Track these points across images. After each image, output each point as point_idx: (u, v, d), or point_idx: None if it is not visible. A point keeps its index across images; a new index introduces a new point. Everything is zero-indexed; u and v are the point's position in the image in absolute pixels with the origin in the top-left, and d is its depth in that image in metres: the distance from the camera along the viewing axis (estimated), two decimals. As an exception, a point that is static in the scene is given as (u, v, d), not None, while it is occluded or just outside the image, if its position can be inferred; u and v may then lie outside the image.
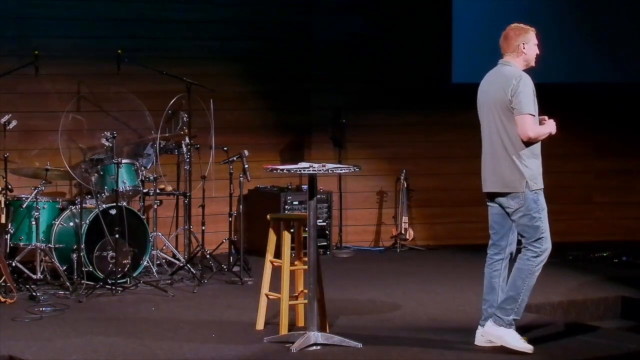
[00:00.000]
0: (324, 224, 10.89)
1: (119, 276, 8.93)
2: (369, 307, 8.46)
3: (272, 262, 7.60)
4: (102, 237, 9.03)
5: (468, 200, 11.33)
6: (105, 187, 9.27)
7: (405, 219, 11.38)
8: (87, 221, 9.06)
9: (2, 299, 8.38)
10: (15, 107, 9.84)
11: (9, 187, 9.11)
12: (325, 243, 10.88)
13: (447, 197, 11.79)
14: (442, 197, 11.80)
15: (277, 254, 7.53)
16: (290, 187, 10.97)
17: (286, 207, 10.76)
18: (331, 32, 11.49)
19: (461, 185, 11.48)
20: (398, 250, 11.39)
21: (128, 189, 9.33)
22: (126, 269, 9.04)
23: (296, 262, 7.56)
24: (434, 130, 11.77)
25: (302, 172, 7.58)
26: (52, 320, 7.87)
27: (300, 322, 7.61)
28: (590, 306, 8.69)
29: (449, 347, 7.09)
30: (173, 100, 9.79)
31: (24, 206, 9.16)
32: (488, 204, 7.04)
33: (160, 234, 9.84)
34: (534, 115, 6.79)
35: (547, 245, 6.86)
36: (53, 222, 9.25)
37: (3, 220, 9.07)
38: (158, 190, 9.78)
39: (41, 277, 9.05)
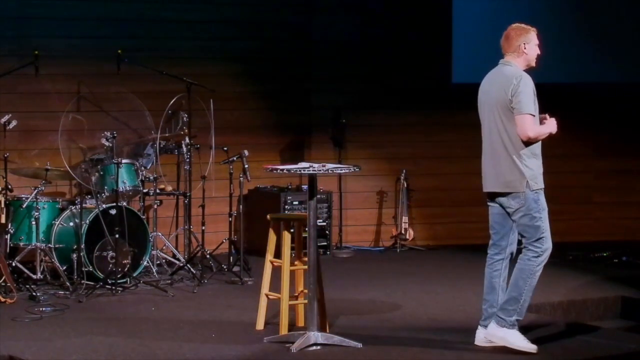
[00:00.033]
0: (324, 224, 10.89)
1: (119, 276, 8.92)
2: (369, 307, 8.46)
3: (272, 262, 7.60)
4: (102, 237, 9.03)
5: (468, 200, 11.33)
6: (105, 187, 9.27)
7: (405, 219, 11.38)
8: (87, 221, 9.06)
9: (2, 299, 8.38)
10: (15, 107, 9.84)
11: (9, 187, 9.11)
12: (325, 243, 10.88)
13: (447, 197, 11.79)
14: (442, 197, 11.80)
15: (277, 254, 7.53)
16: (290, 187, 10.97)
17: (286, 207, 10.76)
18: (331, 32, 11.49)
19: (461, 185, 11.49)
20: (398, 250, 11.39)
21: (128, 189, 9.33)
22: (126, 269, 9.04)
23: (296, 262, 7.56)
24: (434, 130, 11.77)
25: (302, 172, 7.58)
26: (52, 320, 7.87)
27: (300, 322, 7.61)
28: (590, 306, 8.69)
29: (449, 347, 7.09)
30: (173, 100, 9.79)
31: (24, 206, 9.16)
32: (489, 204, 7.04)
33: (160, 234, 9.84)
34: (534, 115, 6.79)
35: (547, 245, 6.86)
36: (53, 222, 9.25)
37: (3, 220, 9.07)
38: (158, 190, 9.78)
39: (41, 277, 9.05)
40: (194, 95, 9.89)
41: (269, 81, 11.29)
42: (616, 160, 12.13)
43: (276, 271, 7.55)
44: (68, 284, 8.82)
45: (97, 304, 8.47)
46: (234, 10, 11.12)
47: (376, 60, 11.58)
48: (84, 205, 9.11)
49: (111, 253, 8.99)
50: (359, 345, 7.04)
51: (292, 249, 7.48)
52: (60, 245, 9.14)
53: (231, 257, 9.95)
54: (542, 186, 6.86)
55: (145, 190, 9.67)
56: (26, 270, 9.06)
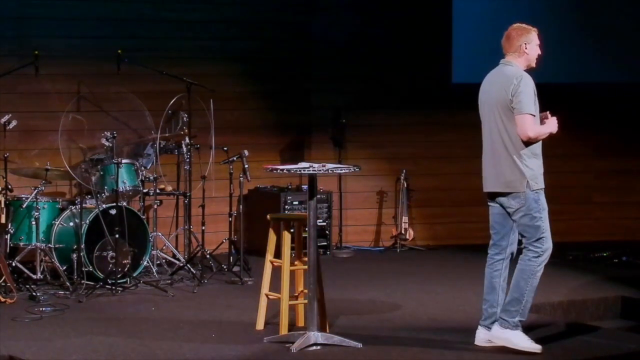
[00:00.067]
0: (324, 224, 10.89)
1: (119, 276, 8.92)
2: (369, 307, 8.46)
3: (272, 262, 7.60)
4: (102, 237, 9.03)
5: (468, 200, 11.33)
6: (105, 187, 9.27)
7: (405, 219, 11.38)
8: (87, 221, 9.06)
9: (2, 299, 8.38)
10: (15, 107, 9.84)
11: (9, 187, 9.11)
12: (325, 243, 10.88)
13: (447, 197, 11.79)
14: (442, 197, 11.80)
15: (277, 254, 7.53)
16: (290, 187, 10.97)
17: (286, 207, 10.76)
18: (331, 32, 11.49)
19: (461, 185, 11.49)
20: (398, 250, 11.39)
21: (128, 189, 9.33)
22: (126, 269, 9.04)
23: (296, 262, 7.56)
24: (434, 130, 11.77)
25: (302, 172, 7.57)
26: (52, 320, 7.87)
27: (300, 322, 7.61)
28: (590, 306, 8.69)
29: (449, 347, 7.09)
30: (173, 100, 9.79)
31: (24, 206, 9.16)
32: (489, 203, 7.04)
33: (160, 234, 9.84)
34: (534, 115, 6.79)
35: (547, 245, 6.86)
36: (53, 222, 9.25)
37: (3, 220, 9.07)
38: (158, 190, 9.78)
39: (41, 277, 9.05)
40: (194, 95, 9.89)
41: (269, 81, 11.29)
42: (616, 160, 12.13)
43: (276, 271, 7.55)
44: (68, 284, 8.82)
45: (97, 304, 8.47)
46: (234, 10, 11.12)
47: (376, 60, 11.58)
48: (84, 205, 9.10)
49: (111, 253, 8.99)
50: (359, 345, 7.04)
51: (292, 249, 7.48)
52: (60, 245, 9.14)
53: (231, 257, 9.95)
54: (543, 186, 6.86)
55: (145, 190, 9.67)
56: (26, 270, 9.06)
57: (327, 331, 7.30)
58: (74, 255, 8.97)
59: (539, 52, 6.96)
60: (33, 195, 9.13)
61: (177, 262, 9.73)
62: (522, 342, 6.86)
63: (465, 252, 10.92)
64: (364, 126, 11.55)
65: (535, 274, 6.85)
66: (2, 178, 9.08)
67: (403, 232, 11.35)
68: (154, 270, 9.45)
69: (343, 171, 7.76)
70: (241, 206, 9.93)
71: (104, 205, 9.15)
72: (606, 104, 11.97)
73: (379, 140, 11.65)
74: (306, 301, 7.24)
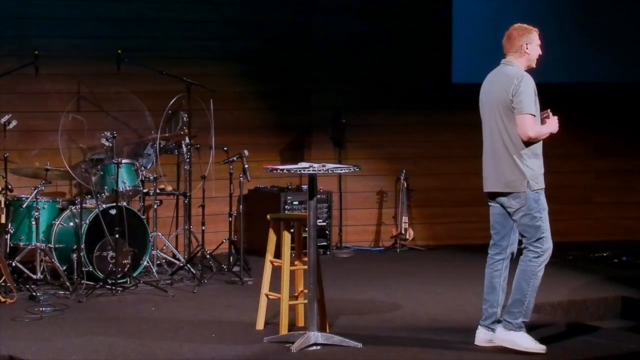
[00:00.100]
0: (324, 224, 10.89)
1: (119, 276, 8.92)
2: (369, 307, 8.46)
3: (272, 262, 7.60)
4: (102, 237, 9.03)
5: (468, 200, 11.34)
6: (105, 187, 9.27)
7: (405, 219, 11.38)
8: (87, 221, 9.06)
9: (2, 299, 8.38)
10: (15, 107, 9.84)
11: (9, 187, 9.11)
12: (325, 243, 10.88)
13: (447, 197, 11.79)
14: (442, 197, 11.80)
15: (277, 254, 7.53)
16: (290, 187, 10.97)
17: (286, 207, 10.76)
18: (331, 32, 11.50)
19: (461, 185, 11.49)
20: (398, 250, 11.39)
21: (128, 189, 9.33)
22: (126, 269, 9.04)
23: (296, 262, 7.56)
24: (434, 130, 11.77)
25: (302, 172, 7.57)
26: (52, 320, 7.87)
27: (300, 322, 7.61)
28: (590, 306, 8.68)
29: (449, 347, 7.09)
30: (173, 100, 9.79)
31: (24, 206, 9.16)
32: (489, 203, 7.04)
33: (160, 234, 9.84)
34: (534, 115, 6.79)
35: (548, 245, 6.86)
36: (53, 222, 9.25)
37: (3, 220, 9.07)
38: (158, 190, 9.78)
39: (41, 277, 9.05)
40: (194, 95, 9.89)
41: (269, 81, 11.29)
42: (616, 160, 12.13)
43: (276, 271, 7.55)
44: (68, 284, 8.82)
45: (97, 304, 8.47)
46: (234, 10, 11.12)
47: (376, 60, 11.58)
48: (84, 205, 9.10)
49: (111, 253, 8.99)
50: (359, 345, 7.04)
51: (292, 249, 7.48)
52: (60, 245, 9.14)
53: (231, 257, 9.95)
54: (543, 186, 6.86)
55: (145, 190, 9.67)
56: (26, 270, 9.06)
57: (327, 331, 7.30)
58: (74, 255, 8.97)
59: (540, 52, 6.96)
60: (33, 195, 9.13)
61: (177, 262, 9.73)
62: (527, 343, 6.86)
63: (465, 252, 10.92)
64: (364, 126, 11.55)
65: (537, 275, 6.85)
66: (2, 178, 9.08)
67: (403, 232, 11.35)
68: (154, 270, 9.45)
69: (343, 171, 7.76)
70: (241, 206, 9.93)
71: (104, 205, 9.15)
72: (606, 104, 11.97)
73: (379, 140, 11.65)
74: (306, 301, 7.24)
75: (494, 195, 6.97)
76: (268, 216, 7.64)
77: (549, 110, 6.94)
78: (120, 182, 9.16)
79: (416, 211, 11.68)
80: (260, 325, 7.59)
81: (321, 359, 6.88)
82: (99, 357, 6.87)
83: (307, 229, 7.20)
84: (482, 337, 7.05)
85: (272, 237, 7.56)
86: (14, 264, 8.96)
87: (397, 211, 11.50)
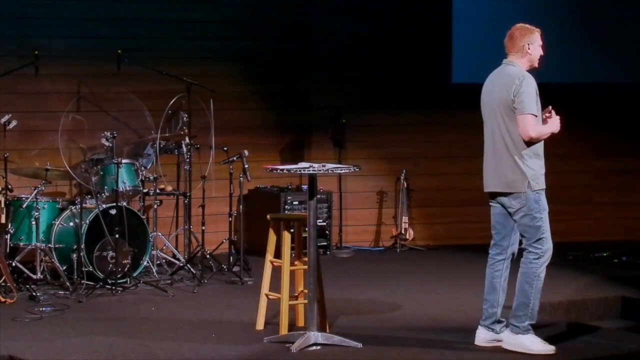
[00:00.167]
0: (324, 224, 10.89)
1: (119, 276, 8.92)
2: (369, 307, 8.46)
3: (272, 262, 7.60)
4: (102, 237, 9.03)
5: (468, 200, 11.34)
6: (105, 187, 9.26)
7: (405, 219, 11.38)
8: (87, 221, 9.06)
9: (2, 299, 8.38)
10: (15, 107, 9.84)
11: (9, 187, 9.11)
12: (325, 243, 10.88)
13: (447, 197, 11.79)
14: (442, 197, 11.80)
15: (277, 254, 7.53)
16: (290, 187, 10.97)
17: (286, 207, 10.76)
18: (331, 32, 11.50)
19: (461, 185, 11.49)
20: (398, 250, 11.39)
21: (128, 189, 9.33)
22: (126, 269, 9.04)
23: (296, 262, 7.56)
24: (434, 130, 11.77)
25: (302, 172, 7.57)
26: (52, 320, 7.87)
27: (300, 322, 7.61)
28: (590, 306, 8.68)
29: (449, 347, 7.09)
30: (173, 100, 9.79)
31: (24, 206, 9.16)
32: (490, 203, 7.04)
33: (160, 234, 9.84)
34: (536, 116, 6.79)
35: (548, 245, 6.86)
36: (53, 222, 9.25)
37: (3, 220, 9.07)
38: (158, 190, 9.78)
39: (41, 277, 9.05)
40: (194, 95, 9.89)
41: (269, 81, 11.29)
42: (616, 160, 12.13)
43: (276, 271, 7.55)
44: (68, 284, 8.82)
45: (97, 304, 8.47)
46: (234, 10, 11.12)
47: (376, 60, 11.58)
48: (84, 205, 9.10)
49: (111, 253, 8.99)
50: (359, 345, 7.04)
51: (292, 249, 7.48)
52: (60, 245, 9.14)
53: (231, 257, 9.95)
54: (544, 187, 6.86)
55: (145, 190, 9.67)
56: (26, 270, 9.06)
57: (327, 331, 7.30)
58: (74, 255, 8.97)
59: (542, 52, 6.95)
60: (33, 195, 9.13)
61: (177, 262, 9.73)
62: (535, 345, 6.86)
63: (465, 252, 10.92)
64: (364, 126, 11.55)
65: (539, 276, 6.84)
66: (2, 178, 9.08)
67: (403, 232, 11.35)
68: (154, 270, 9.45)
69: (343, 171, 7.76)
70: (241, 206, 9.93)
71: (104, 205, 9.15)
72: (606, 104, 11.97)
73: (379, 140, 11.65)
74: (306, 301, 7.24)
75: (494, 195, 6.97)
76: (268, 216, 7.64)
77: (550, 107, 6.93)
78: (120, 182, 9.16)
79: (416, 211, 11.68)
80: (260, 325, 7.59)
81: (321, 359, 6.88)
82: (99, 357, 6.87)
83: (307, 229, 7.20)
84: (482, 337, 7.05)
85: (272, 237, 7.56)
86: (14, 264, 8.96)
87: (397, 211, 11.50)
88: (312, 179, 7.16)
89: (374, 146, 11.63)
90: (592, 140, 12.05)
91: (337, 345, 7.03)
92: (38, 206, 9.11)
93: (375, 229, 11.70)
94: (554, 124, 6.89)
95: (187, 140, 9.71)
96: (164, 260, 9.79)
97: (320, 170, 7.13)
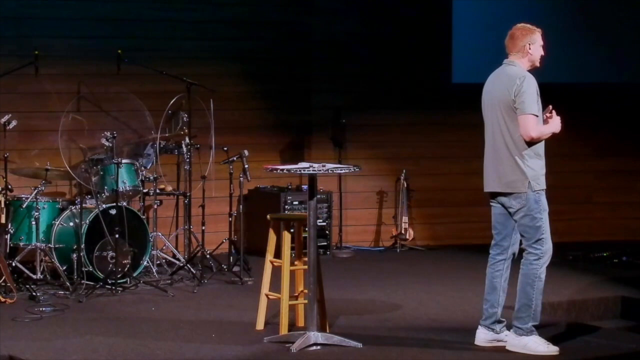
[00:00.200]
0: (324, 224, 10.89)
1: (119, 276, 8.92)
2: (369, 307, 8.46)
3: (272, 262, 7.60)
4: (102, 237, 9.03)
5: (468, 200, 11.34)
6: (105, 187, 9.26)
7: (405, 219, 11.38)
8: (87, 221, 9.06)
9: (2, 299, 8.38)
10: (15, 107, 9.84)
11: (9, 187, 9.11)
12: (325, 243, 10.88)
13: (447, 197, 11.79)
14: (442, 197, 11.80)
15: (277, 254, 7.53)
16: (290, 187, 10.97)
17: (286, 207, 10.76)
18: (331, 32, 11.49)
19: (461, 185, 11.49)
20: (398, 250, 11.39)
21: (128, 189, 9.33)
22: (126, 269, 9.04)
23: (296, 262, 7.56)
24: (434, 130, 11.77)
25: (302, 172, 7.57)
26: (52, 320, 7.87)
27: (300, 322, 7.61)
28: (590, 306, 8.68)
29: (449, 347, 7.09)
30: (173, 100, 9.79)
31: (24, 206, 9.16)
32: (491, 203, 7.04)
33: (160, 234, 9.84)
34: (536, 116, 6.79)
35: (548, 246, 6.86)
36: (53, 222, 9.24)
37: (3, 220, 9.06)
38: (158, 190, 9.78)
39: (41, 277, 9.05)
40: (194, 95, 9.88)
41: (269, 81, 11.29)
42: (616, 160, 12.13)
43: (276, 271, 7.55)
44: (68, 284, 8.82)
45: (97, 304, 8.46)
46: (234, 10, 11.12)
47: (376, 60, 11.58)
48: (84, 205, 9.10)
49: (111, 253, 8.99)
50: (359, 345, 7.04)
51: (292, 249, 7.48)
52: (60, 245, 9.14)
53: (231, 257, 9.95)
54: (544, 187, 6.86)
55: (145, 190, 9.67)
56: (26, 270, 9.06)
57: (327, 331, 7.30)
58: (74, 255, 8.97)
59: (543, 52, 6.95)
60: (33, 195, 9.13)
61: (177, 262, 9.73)
62: (539, 346, 6.85)
63: (465, 252, 10.92)
64: (364, 126, 11.56)
65: (540, 277, 6.84)
66: (2, 178, 9.07)
67: (403, 232, 11.35)
68: (154, 270, 9.45)
69: (343, 171, 7.76)
70: (241, 206, 9.93)
71: (104, 205, 9.15)
72: (606, 104, 11.98)
73: (379, 140, 11.65)
74: (306, 301, 7.24)
75: (495, 195, 6.97)
76: (268, 216, 7.64)
77: (550, 106, 6.93)
78: (120, 182, 9.16)
79: (416, 211, 11.68)
80: (260, 325, 7.59)
81: (321, 359, 6.88)
82: (98, 357, 6.87)
83: (307, 229, 7.20)
84: (483, 337, 7.05)
85: (272, 237, 7.56)
86: (14, 264, 8.96)
87: (397, 211, 11.50)
88: (312, 179, 7.16)
89: (374, 146, 11.63)
90: (592, 140, 12.06)
91: (337, 345, 7.03)
92: (38, 206, 9.11)
93: (375, 229, 11.70)
94: (555, 124, 6.89)
95: (187, 140, 9.70)
96: (164, 260, 9.79)
97: (320, 170, 7.13)
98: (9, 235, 9.12)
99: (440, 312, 8.23)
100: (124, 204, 9.21)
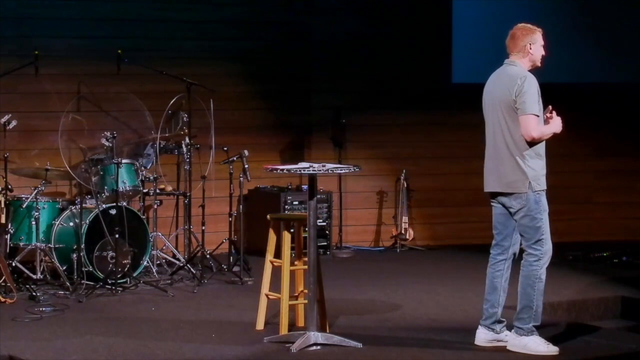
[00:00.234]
0: (324, 224, 10.89)
1: (119, 276, 8.92)
2: (369, 307, 8.46)
3: (272, 262, 7.60)
4: (102, 237, 9.03)
5: (468, 200, 11.34)
6: (105, 187, 9.26)
7: (405, 219, 11.38)
8: (87, 221, 9.06)
9: (2, 299, 8.38)
10: (15, 107, 9.84)
11: (9, 187, 9.11)
12: (325, 243, 10.88)
13: (447, 197, 11.79)
14: (442, 197, 11.80)
15: (277, 254, 7.53)
16: (290, 187, 10.97)
17: (286, 207, 10.76)
18: (331, 32, 11.49)
19: (461, 185, 11.49)
20: (398, 250, 11.39)
21: (128, 189, 9.33)
22: (126, 269, 9.04)
23: (296, 262, 7.56)
24: (434, 130, 11.77)
25: (302, 172, 7.58)
26: (52, 320, 7.87)
27: (300, 322, 7.61)
28: (590, 306, 8.68)
29: (449, 347, 7.09)
30: (173, 100, 9.79)
31: (24, 206, 9.16)
32: (492, 203, 7.04)
33: (160, 234, 9.84)
34: (537, 116, 6.78)
35: (547, 246, 6.86)
36: (53, 222, 9.24)
37: (3, 220, 9.06)
38: (158, 190, 9.78)
39: (41, 277, 9.05)
40: (194, 95, 9.88)
41: (269, 81, 11.29)
42: (616, 160, 12.13)
43: (276, 271, 7.55)
44: (68, 284, 8.82)
45: (97, 304, 8.46)
46: (234, 10, 11.12)
47: (376, 60, 11.57)
48: (84, 205, 9.10)
49: (111, 253, 8.99)
50: (359, 345, 7.04)
51: (292, 249, 7.48)
52: (60, 245, 9.14)
53: (231, 257, 9.95)
54: (545, 187, 6.86)
55: (145, 190, 9.67)
56: (26, 270, 9.06)
57: (327, 331, 7.30)
58: (74, 255, 8.97)
59: (544, 52, 6.94)
60: (33, 195, 9.13)
61: (177, 262, 9.73)
62: (539, 347, 6.85)
63: (465, 252, 10.92)
64: (364, 126, 11.56)
65: (540, 278, 6.84)
66: (2, 178, 9.07)
67: (403, 232, 11.35)
68: (154, 270, 9.45)
69: (343, 171, 7.76)
70: (241, 206, 9.93)
71: (104, 205, 9.15)
72: (606, 104, 11.97)
73: (379, 140, 11.65)
74: (306, 301, 7.24)
75: (495, 195, 6.97)
76: (268, 216, 7.64)
77: (550, 106, 6.93)
78: (120, 182, 9.16)
79: (416, 211, 11.68)
80: (260, 325, 7.59)
81: (321, 359, 6.88)
82: (99, 357, 6.87)
83: (307, 229, 7.20)
84: (483, 337, 7.05)
85: (272, 237, 7.56)
86: (14, 264, 8.96)
87: (397, 211, 11.50)
88: (312, 179, 7.15)
89: (374, 146, 11.63)
90: (592, 140, 12.06)
91: (337, 345, 7.03)
92: (38, 206, 9.11)
93: (375, 229, 11.71)
94: (556, 124, 6.89)
95: (187, 140, 9.70)
96: (164, 260, 9.79)
97: (320, 170, 7.13)
98: (9, 235, 9.12)
99: (440, 312, 8.23)
100: (124, 204, 9.21)
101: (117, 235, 8.92)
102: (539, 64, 6.95)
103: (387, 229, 11.62)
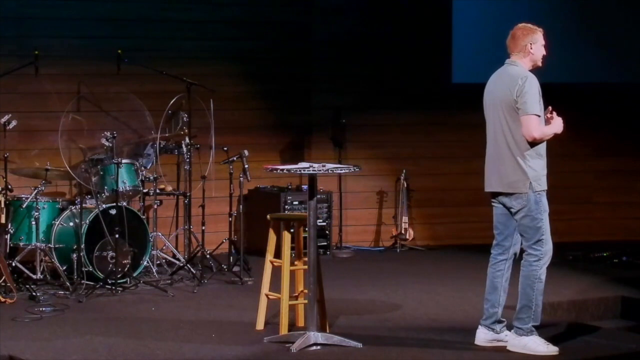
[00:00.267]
0: (324, 224, 10.89)
1: (119, 276, 8.92)
2: (369, 307, 8.46)
3: (272, 262, 7.60)
4: (102, 237, 9.03)
5: (468, 200, 11.34)
6: (105, 187, 9.26)
7: (405, 219, 11.38)
8: (87, 221, 9.06)
9: (2, 299, 8.38)
10: (15, 107, 9.84)
11: (9, 187, 9.11)
12: (325, 243, 10.88)
13: (447, 197, 11.79)
14: (442, 197, 11.80)
15: (277, 254, 7.53)
16: (290, 187, 10.97)
17: (286, 207, 10.76)
18: (331, 32, 11.49)
19: (461, 185, 11.49)
20: (398, 250, 11.38)
21: (128, 189, 9.33)
22: (126, 269, 9.04)
23: (296, 262, 7.56)
24: (434, 130, 11.77)
25: (302, 172, 7.58)
26: (52, 320, 7.87)
27: (300, 322, 7.61)
28: (590, 306, 8.68)
29: (449, 347, 7.09)
30: (173, 100, 9.79)
31: (24, 206, 9.16)
32: (492, 203, 7.03)
33: (160, 234, 9.84)
34: (539, 116, 6.78)
35: (548, 247, 6.86)
36: (53, 222, 9.24)
37: (3, 220, 9.06)
38: (158, 190, 9.78)
39: (41, 277, 9.05)
40: (194, 95, 9.88)
41: (269, 81, 11.29)
42: (616, 160, 12.13)
43: (276, 271, 7.55)
44: (68, 284, 8.82)
45: (97, 304, 8.46)
46: (234, 10, 11.12)
47: (376, 60, 11.58)
48: (84, 205, 9.10)
49: (111, 253, 8.99)
50: (359, 345, 7.04)
51: (292, 249, 7.48)
52: (60, 245, 9.14)
53: (231, 257, 9.95)
54: (545, 188, 6.85)
55: (145, 190, 9.67)
56: (26, 270, 9.06)
57: (327, 331, 7.30)
58: (74, 255, 8.97)
59: (544, 52, 6.94)
60: (33, 195, 9.12)
61: (177, 262, 9.73)
62: (539, 346, 6.85)
63: (465, 252, 10.92)
64: (364, 126, 11.56)
65: (540, 278, 6.84)
66: (2, 178, 9.07)
67: (403, 232, 11.35)
68: (154, 270, 9.45)
69: (343, 171, 7.76)
70: (241, 206, 9.93)
71: (104, 205, 9.15)
72: (606, 104, 11.97)
73: (379, 140, 11.64)
74: (306, 301, 7.24)
75: (496, 195, 6.97)
76: (268, 216, 7.64)
77: (550, 107, 6.93)
78: (120, 182, 9.16)
79: (416, 211, 11.68)
80: (260, 325, 7.59)
81: (321, 359, 6.88)
82: (99, 357, 6.87)
83: (307, 229, 7.20)
84: (483, 336, 7.06)
85: (272, 237, 7.56)
86: (14, 264, 8.96)
87: (397, 211, 11.50)
88: (312, 179, 7.15)
89: (374, 146, 11.63)
90: (592, 140, 12.05)
91: (337, 345, 7.03)
92: (38, 206, 9.11)
93: (375, 229, 11.70)
94: (557, 124, 6.88)
95: (187, 140, 9.71)
96: (164, 260, 9.79)
97: (320, 170, 7.13)
98: (9, 235, 9.12)
99: (440, 312, 8.23)
100: (124, 204, 9.21)
101: (117, 235, 8.92)
102: (540, 64, 6.95)
103: (387, 229, 11.62)
